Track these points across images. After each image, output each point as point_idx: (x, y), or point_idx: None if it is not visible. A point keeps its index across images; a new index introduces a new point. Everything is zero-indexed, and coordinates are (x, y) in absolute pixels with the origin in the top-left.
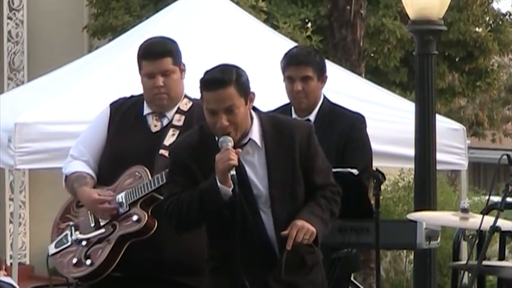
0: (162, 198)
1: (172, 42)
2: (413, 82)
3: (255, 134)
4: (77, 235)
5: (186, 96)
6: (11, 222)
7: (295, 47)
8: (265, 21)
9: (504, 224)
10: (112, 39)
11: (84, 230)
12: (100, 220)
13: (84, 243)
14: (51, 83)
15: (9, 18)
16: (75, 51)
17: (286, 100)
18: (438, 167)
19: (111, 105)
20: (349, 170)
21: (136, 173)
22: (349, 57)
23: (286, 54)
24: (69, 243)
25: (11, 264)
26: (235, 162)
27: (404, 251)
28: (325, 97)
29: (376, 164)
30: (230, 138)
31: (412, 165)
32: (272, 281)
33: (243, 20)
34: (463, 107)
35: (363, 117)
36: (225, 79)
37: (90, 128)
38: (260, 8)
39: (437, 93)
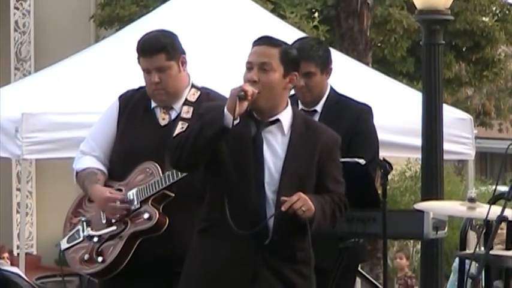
0: (173, 195)
1: (169, 36)
2: (420, 72)
3: (285, 119)
4: (89, 231)
5: (193, 86)
6: (18, 212)
7: (298, 40)
8: (272, 11)
9: (511, 213)
10: (119, 29)
11: (96, 226)
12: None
13: (95, 239)
14: (58, 73)
15: (16, 8)
16: (82, 41)
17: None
18: (445, 156)
19: (120, 98)
20: (356, 160)
21: (147, 169)
22: (356, 47)
23: None
24: (81, 239)
25: (18, 254)
26: (247, 89)
27: (412, 241)
28: (331, 88)
29: (383, 153)
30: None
31: (419, 155)
32: (257, 259)
33: (250, 9)
34: (470, 97)
35: (369, 108)
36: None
37: (100, 122)
38: None
39: (444, 83)
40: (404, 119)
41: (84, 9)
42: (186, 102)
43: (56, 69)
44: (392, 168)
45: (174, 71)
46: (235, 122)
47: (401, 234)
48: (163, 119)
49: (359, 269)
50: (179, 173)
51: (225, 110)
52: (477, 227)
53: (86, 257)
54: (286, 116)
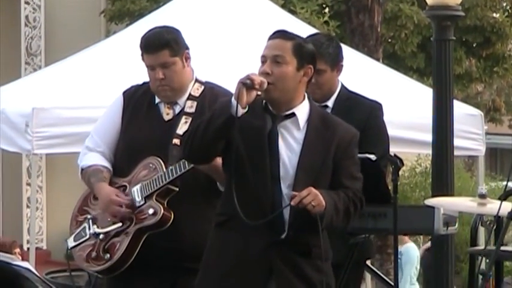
0: (177, 189)
1: (172, 32)
2: (431, 68)
3: (301, 113)
4: (95, 229)
5: (197, 81)
6: (28, 207)
7: (309, 36)
8: (283, 7)
9: None
10: (129, 24)
11: (102, 223)
12: None
13: (102, 236)
14: (68, 68)
15: (27, 3)
16: (93, 36)
17: None
18: (455, 152)
19: (124, 93)
20: (367, 155)
21: (151, 165)
22: (366, 42)
23: None
24: (87, 237)
25: (28, 249)
26: (254, 77)
27: (422, 237)
28: (342, 85)
29: (393, 149)
30: (265, 80)
31: (429, 151)
32: (273, 252)
33: (261, 4)
34: (480, 93)
35: (380, 104)
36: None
37: (104, 117)
38: None
39: (455, 79)
40: (415, 114)
41: (95, 4)
42: (190, 97)
43: (66, 63)
44: (403, 164)
45: (179, 66)
46: (243, 111)
47: (411, 230)
48: (167, 114)
49: (370, 265)
50: (182, 167)
51: (232, 98)
52: (488, 223)
53: (93, 254)
54: (302, 111)
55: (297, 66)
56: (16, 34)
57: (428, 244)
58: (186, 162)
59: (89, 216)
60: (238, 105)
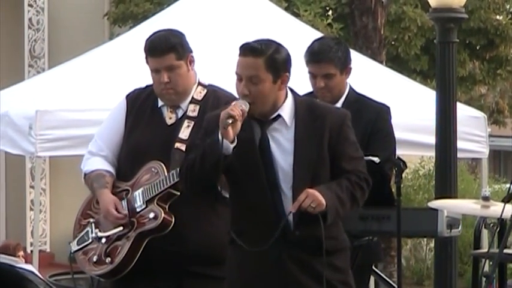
0: (179, 193)
1: (177, 36)
2: (434, 70)
3: (286, 111)
4: (97, 232)
5: (200, 84)
6: (31, 209)
7: (317, 40)
8: (286, 9)
9: None
10: (133, 27)
11: (104, 227)
12: None
13: (103, 240)
14: (72, 71)
15: (30, 5)
16: (96, 38)
17: (309, 87)
18: (459, 155)
19: (127, 97)
20: (371, 158)
21: (153, 169)
22: (370, 45)
23: (308, 48)
24: (90, 241)
25: (32, 251)
26: (234, 113)
27: (425, 239)
28: (350, 87)
29: (397, 151)
30: (246, 102)
31: (432, 153)
32: (285, 256)
33: (264, 7)
34: (483, 95)
35: (388, 108)
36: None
37: (108, 121)
38: None
39: (458, 81)
40: (418, 117)
41: (98, 6)
42: (193, 101)
43: (69, 66)
44: (406, 167)
45: (183, 70)
46: (233, 144)
47: (415, 233)
48: (170, 118)
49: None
50: None
51: (219, 136)
52: (491, 225)
53: (95, 258)
54: (286, 109)
55: (273, 80)
56: (19, 37)
57: None
58: None
59: (91, 220)
60: (226, 142)
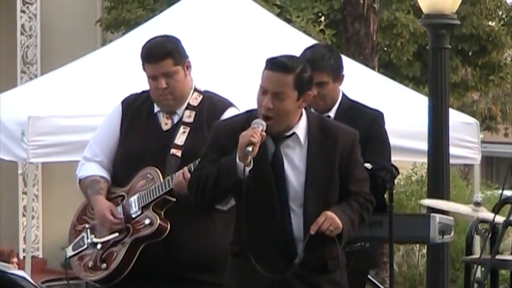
0: (174, 200)
1: (173, 41)
2: (427, 76)
3: (301, 130)
4: (92, 238)
5: (196, 90)
6: (24, 215)
7: (309, 48)
8: (279, 15)
9: None
10: (125, 33)
11: (100, 233)
12: None
13: (99, 246)
14: (64, 77)
15: (23, 11)
16: (89, 44)
17: None
18: (451, 161)
19: (122, 102)
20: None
21: (148, 175)
22: (362, 51)
23: (300, 56)
24: (85, 246)
25: (24, 257)
26: (255, 140)
27: (417, 245)
28: (343, 94)
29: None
30: (264, 123)
31: (425, 159)
32: (293, 278)
33: (256, 13)
34: (476, 101)
35: (381, 113)
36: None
37: (103, 127)
38: (273, 1)
39: (450, 87)
40: (411, 123)
41: (91, 12)
42: (189, 107)
43: (62, 72)
44: (398, 173)
45: (181, 75)
46: (250, 167)
47: (407, 239)
48: (165, 124)
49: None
50: None
51: (237, 161)
52: (483, 231)
53: (90, 264)
54: (301, 127)
55: (297, 97)
56: (12, 43)
57: None
58: None
59: (87, 226)
60: (245, 167)
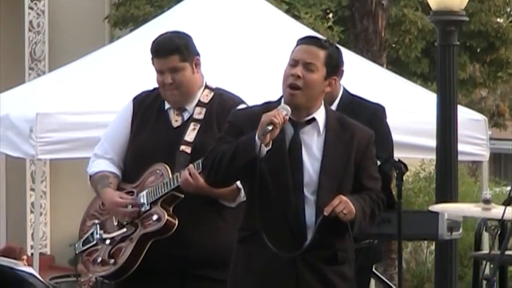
0: (183, 196)
1: (183, 37)
2: (435, 73)
3: (320, 118)
4: (101, 234)
5: (207, 87)
6: (31, 212)
7: None
8: (287, 12)
9: None
10: (133, 30)
11: (108, 228)
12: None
13: (108, 241)
14: (72, 73)
15: (31, 8)
16: (97, 41)
17: None
18: (459, 157)
19: (134, 99)
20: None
21: (158, 171)
22: (370, 47)
23: None
24: (94, 242)
25: (32, 254)
26: (277, 120)
27: (425, 242)
28: (344, 89)
29: (397, 154)
30: (288, 108)
31: (433, 156)
32: (301, 263)
33: (264, 10)
34: (484, 98)
35: (382, 107)
36: None
37: (114, 124)
38: None
39: (459, 84)
40: (419, 119)
41: (99, 9)
42: (199, 104)
43: (70, 69)
44: (407, 169)
45: (188, 72)
46: (268, 148)
47: (416, 235)
48: (175, 120)
49: (373, 270)
50: None
51: (256, 138)
52: (492, 228)
53: (99, 259)
54: (320, 115)
55: (325, 76)
56: (20, 39)
57: None
58: None
59: (96, 222)
60: (262, 145)
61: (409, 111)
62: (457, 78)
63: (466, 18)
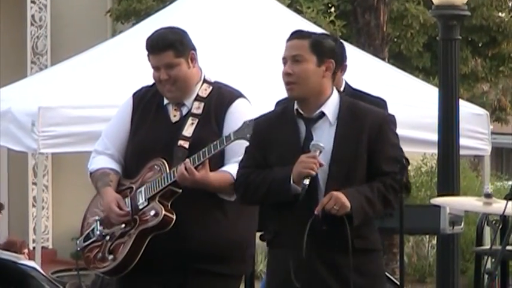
0: (180, 191)
1: (177, 33)
2: (437, 67)
3: (330, 109)
4: (102, 230)
5: (205, 81)
6: (33, 206)
7: None
8: (289, 6)
9: None
10: (135, 24)
11: (108, 224)
12: None
13: (107, 237)
14: (74, 67)
15: (33, 2)
16: (99, 35)
17: None
18: (461, 152)
19: (134, 95)
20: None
21: (156, 166)
22: (372, 42)
23: None
24: (94, 238)
25: (34, 248)
26: (314, 173)
27: (427, 236)
28: (346, 83)
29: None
30: (321, 144)
31: (434, 150)
32: (314, 256)
33: (267, 4)
34: (485, 92)
35: (384, 101)
36: None
37: (114, 119)
38: None
39: (460, 79)
40: (421, 114)
41: (101, 3)
42: (197, 98)
43: (72, 63)
44: (409, 164)
45: (184, 67)
46: (300, 189)
47: (417, 230)
48: (174, 115)
49: None
50: None
51: (292, 183)
52: (493, 222)
53: (99, 255)
54: (331, 106)
55: (317, 63)
56: (22, 33)
57: None
58: None
59: (97, 218)
60: (296, 186)
61: (411, 105)
62: (459, 73)
63: (468, 13)
